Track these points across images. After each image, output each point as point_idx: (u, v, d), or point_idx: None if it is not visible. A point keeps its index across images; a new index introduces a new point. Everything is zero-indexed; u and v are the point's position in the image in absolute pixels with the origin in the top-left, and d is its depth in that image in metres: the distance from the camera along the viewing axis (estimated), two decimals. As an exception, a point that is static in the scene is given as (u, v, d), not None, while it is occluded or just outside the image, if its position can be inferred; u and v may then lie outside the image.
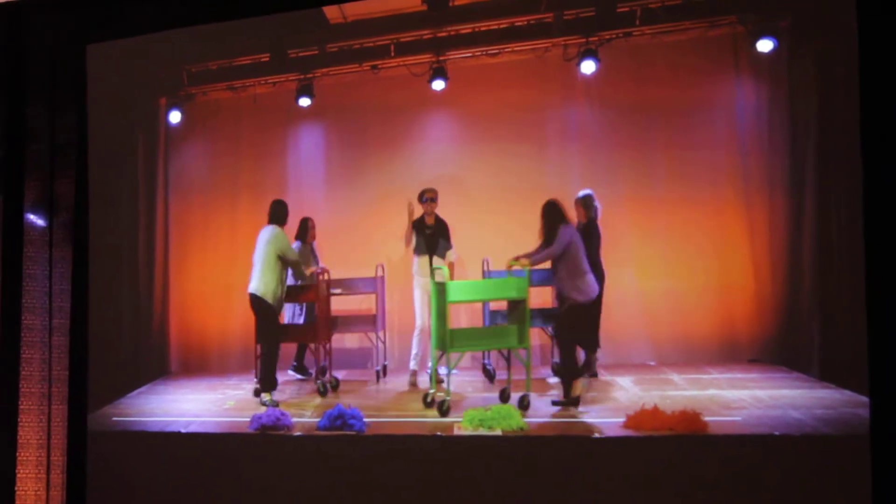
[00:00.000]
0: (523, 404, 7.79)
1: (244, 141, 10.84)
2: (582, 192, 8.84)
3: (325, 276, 9.05)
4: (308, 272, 8.91)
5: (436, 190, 9.12)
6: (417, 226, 9.10)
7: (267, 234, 8.68)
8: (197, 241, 10.74)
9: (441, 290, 7.86)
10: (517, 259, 7.94)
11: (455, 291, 7.81)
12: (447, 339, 7.75)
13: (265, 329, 8.62)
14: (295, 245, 9.25)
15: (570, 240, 7.79)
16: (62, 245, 6.87)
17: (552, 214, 7.96)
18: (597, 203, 8.83)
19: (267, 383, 8.52)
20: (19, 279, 6.79)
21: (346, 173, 10.62)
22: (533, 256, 7.92)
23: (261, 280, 8.55)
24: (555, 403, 7.90)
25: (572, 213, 8.36)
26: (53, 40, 7.05)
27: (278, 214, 8.83)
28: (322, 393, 8.69)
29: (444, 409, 7.71)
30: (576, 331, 7.91)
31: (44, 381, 6.73)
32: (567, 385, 7.88)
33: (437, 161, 10.32)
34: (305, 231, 9.55)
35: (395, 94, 10.24)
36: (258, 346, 8.68)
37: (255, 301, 8.57)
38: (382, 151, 10.52)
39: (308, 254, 9.43)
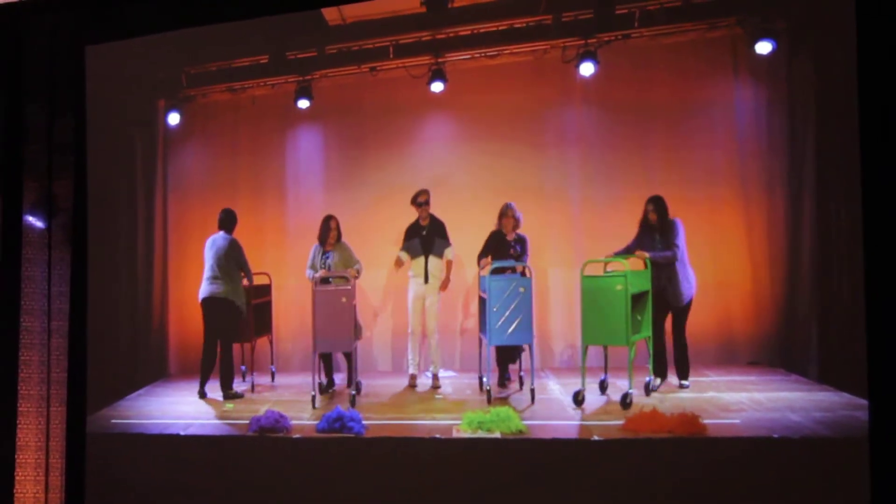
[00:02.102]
0: (649, 389, 8.14)
1: (243, 142, 10.81)
2: (511, 203, 8.96)
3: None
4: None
5: (428, 192, 9.19)
6: (412, 229, 9.21)
7: (227, 243, 9.19)
8: (196, 243, 10.66)
9: (607, 284, 7.87)
10: (638, 254, 8.24)
11: (634, 283, 7.92)
12: (631, 329, 7.78)
13: (232, 328, 9.18)
14: (314, 248, 9.23)
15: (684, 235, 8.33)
16: (61, 247, 6.89)
17: (665, 207, 8.36)
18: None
19: (230, 379, 9.09)
20: (18, 281, 6.80)
21: (344, 175, 10.60)
22: (657, 255, 8.22)
23: (235, 284, 9.17)
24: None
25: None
26: (52, 41, 7.07)
27: (233, 223, 9.34)
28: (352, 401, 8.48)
29: (627, 402, 7.75)
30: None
31: (42, 383, 6.74)
32: (686, 370, 8.47)
33: (435, 162, 10.31)
34: (325, 233, 9.21)
35: (394, 96, 10.23)
36: (220, 346, 9.14)
37: (226, 304, 9.07)
38: (381, 153, 10.50)
39: (317, 257, 9.22)
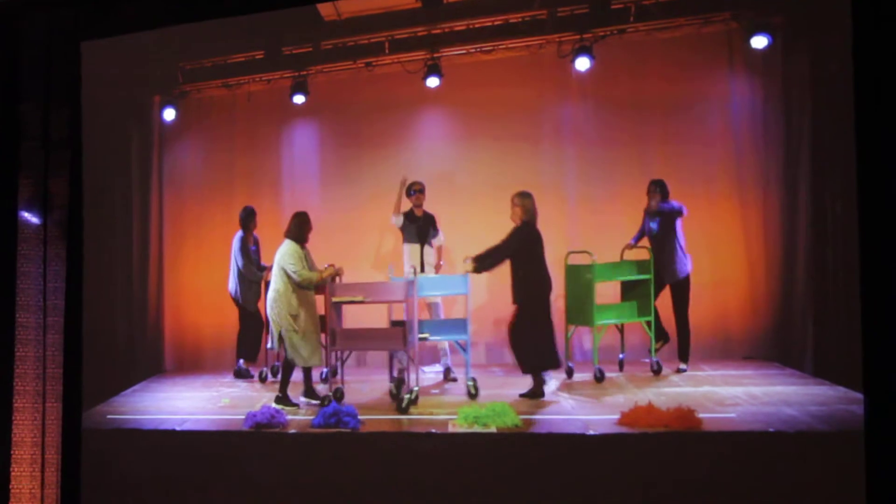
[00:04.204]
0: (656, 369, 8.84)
1: (239, 138, 10.81)
2: (524, 191, 8.34)
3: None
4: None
5: (423, 183, 9.17)
6: (408, 216, 9.20)
7: (234, 240, 9.55)
8: (191, 239, 10.72)
9: (580, 273, 8.71)
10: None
11: (625, 272, 8.94)
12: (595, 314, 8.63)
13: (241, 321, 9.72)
14: (299, 248, 8.29)
15: None
16: (56, 243, 6.86)
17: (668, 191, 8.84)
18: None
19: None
20: (13, 277, 6.78)
21: (340, 170, 10.61)
22: (665, 206, 8.80)
23: (233, 280, 9.62)
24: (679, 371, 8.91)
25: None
26: (47, 37, 7.04)
27: (244, 220, 9.61)
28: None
29: (599, 377, 8.63)
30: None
31: (38, 378, 6.72)
32: (687, 353, 8.91)
33: (431, 158, 10.30)
34: (308, 231, 8.41)
35: (390, 91, 10.22)
36: None
37: (234, 299, 9.67)
38: (377, 148, 10.49)
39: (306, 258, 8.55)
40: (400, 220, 9.20)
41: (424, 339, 8.41)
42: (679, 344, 8.88)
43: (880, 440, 5.44)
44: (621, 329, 9.02)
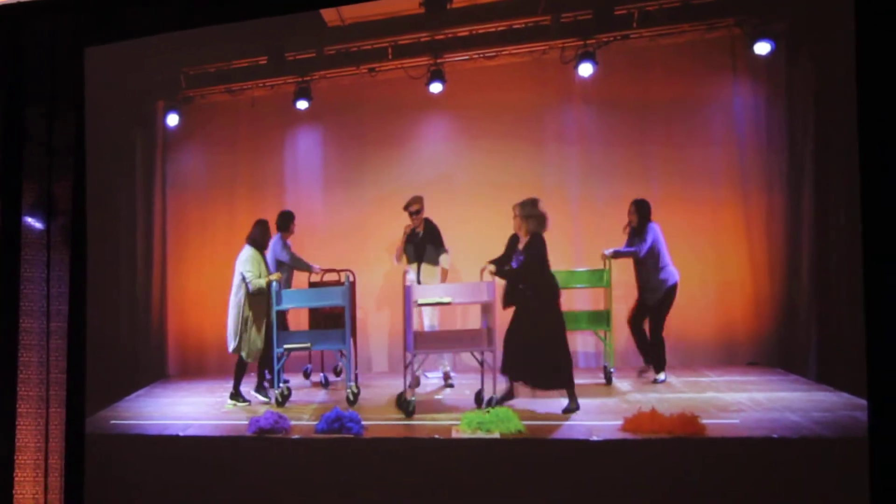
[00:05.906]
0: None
1: (242, 144, 10.82)
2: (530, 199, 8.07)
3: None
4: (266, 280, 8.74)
5: (421, 199, 9.05)
6: (409, 233, 9.12)
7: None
8: (194, 245, 10.72)
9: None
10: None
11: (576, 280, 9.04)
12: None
13: None
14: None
15: (655, 238, 8.65)
16: (60, 248, 6.89)
17: (644, 211, 8.73)
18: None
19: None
20: (17, 282, 6.80)
21: (343, 176, 10.60)
22: (621, 250, 8.75)
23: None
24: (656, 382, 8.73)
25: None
26: (51, 43, 7.07)
27: (277, 223, 9.36)
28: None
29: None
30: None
31: (41, 384, 6.74)
32: (661, 362, 8.72)
33: (434, 163, 10.30)
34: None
35: (393, 97, 10.22)
36: None
37: None
38: (380, 154, 10.50)
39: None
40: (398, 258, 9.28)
41: (307, 348, 8.77)
42: (654, 354, 8.77)
43: (884, 446, 5.44)
44: (604, 338, 8.89)
